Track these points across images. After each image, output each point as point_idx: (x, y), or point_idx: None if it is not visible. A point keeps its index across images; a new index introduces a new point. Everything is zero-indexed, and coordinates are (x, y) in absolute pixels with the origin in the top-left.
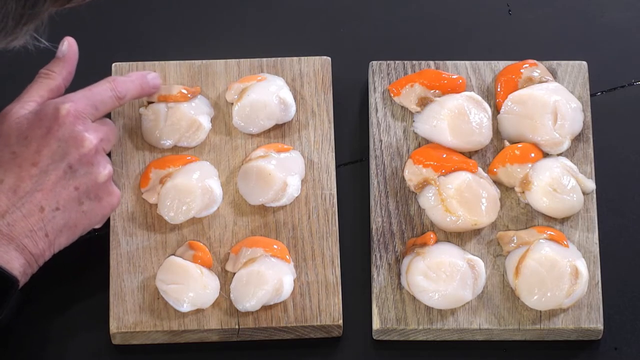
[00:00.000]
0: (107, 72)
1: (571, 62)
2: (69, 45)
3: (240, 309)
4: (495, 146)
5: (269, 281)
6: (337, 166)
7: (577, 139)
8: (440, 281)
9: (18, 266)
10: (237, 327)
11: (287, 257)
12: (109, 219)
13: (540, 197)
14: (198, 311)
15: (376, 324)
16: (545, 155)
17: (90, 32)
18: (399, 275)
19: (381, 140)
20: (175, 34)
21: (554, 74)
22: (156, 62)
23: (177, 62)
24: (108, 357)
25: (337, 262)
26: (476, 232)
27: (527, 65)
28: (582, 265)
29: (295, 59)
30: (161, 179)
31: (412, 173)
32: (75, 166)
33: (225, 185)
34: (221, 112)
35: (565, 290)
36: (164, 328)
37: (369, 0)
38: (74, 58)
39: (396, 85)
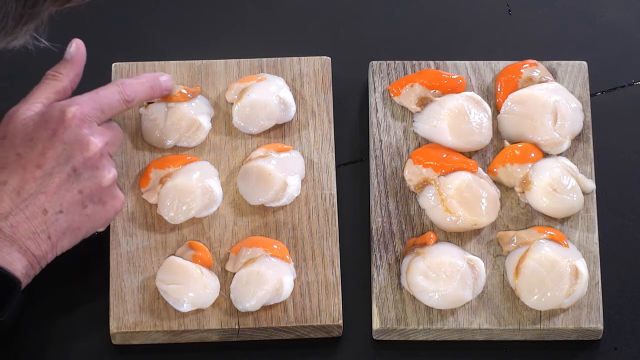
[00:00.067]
0: (107, 72)
1: (571, 62)
2: (76, 48)
3: (240, 309)
4: (495, 146)
5: (269, 281)
6: (337, 166)
7: (577, 139)
8: (440, 281)
9: (20, 268)
10: (237, 327)
11: (287, 257)
12: None
13: (540, 197)
14: (198, 311)
15: (376, 324)
16: (545, 155)
17: (90, 32)
18: (399, 275)
19: (381, 140)
20: (175, 34)
21: (554, 74)
22: (156, 62)
23: (177, 62)
24: (108, 357)
25: (337, 262)
26: (476, 232)
27: (527, 65)
28: (582, 265)
29: (295, 59)
30: (161, 179)
31: (412, 173)
32: (79, 169)
33: (225, 185)
34: (221, 112)
35: (565, 290)
36: (164, 328)
37: (369, 0)
38: (82, 60)
39: (396, 85)
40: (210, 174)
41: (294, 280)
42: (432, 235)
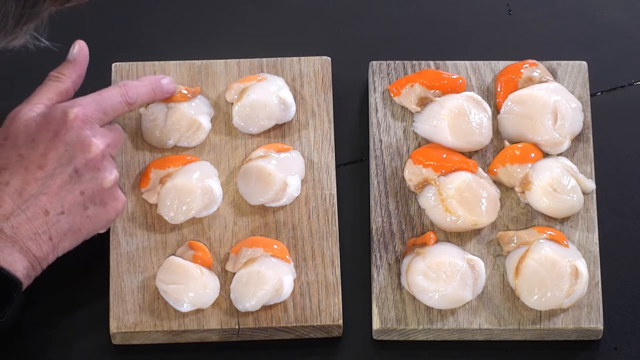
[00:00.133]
0: (107, 72)
1: (571, 62)
2: (79, 49)
3: (240, 309)
4: (495, 146)
5: (269, 281)
6: (337, 166)
7: (577, 139)
8: (440, 281)
9: (22, 268)
10: (237, 327)
11: (287, 257)
12: None
13: (540, 197)
14: (198, 311)
15: (376, 324)
16: (545, 155)
17: (90, 32)
18: (399, 275)
19: (381, 140)
20: (175, 34)
21: (554, 74)
22: (156, 62)
23: (177, 62)
24: (108, 357)
25: (337, 262)
26: (476, 232)
27: (527, 65)
28: (582, 265)
29: (295, 59)
30: (161, 179)
31: (412, 173)
32: (81, 171)
33: (225, 185)
34: (221, 112)
35: (565, 290)
36: (164, 328)
37: (369, 0)
38: (84, 62)
39: (396, 85)
40: (210, 174)
41: (294, 280)
42: (432, 235)
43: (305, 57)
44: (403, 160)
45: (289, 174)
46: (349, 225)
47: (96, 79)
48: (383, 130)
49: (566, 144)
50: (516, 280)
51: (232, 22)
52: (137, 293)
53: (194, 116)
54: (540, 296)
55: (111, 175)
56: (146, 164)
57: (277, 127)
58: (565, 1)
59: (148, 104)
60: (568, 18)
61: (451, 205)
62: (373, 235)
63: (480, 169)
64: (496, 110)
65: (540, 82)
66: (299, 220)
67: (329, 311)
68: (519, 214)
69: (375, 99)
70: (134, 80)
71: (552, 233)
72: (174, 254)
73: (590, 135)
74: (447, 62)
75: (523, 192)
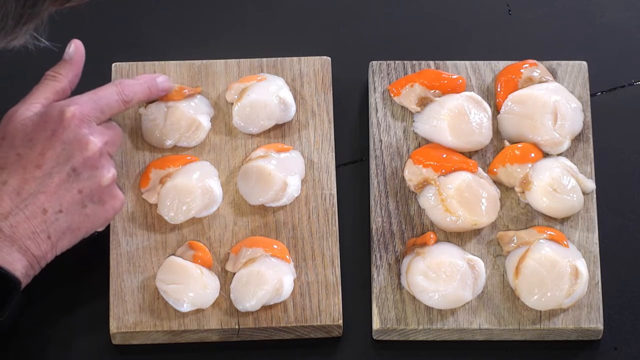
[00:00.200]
0: (107, 72)
1: (571, 62)
2: (76, 48)
3: (240, 309)
4: (495, 146)
5: (269, 281)
6: (337, 166)
7: (577, 139)
8: (440, 281)
9: (20, 268)
10: (237, 327)
11: (287, 257)
12: None
13: (540, 197)
14: (198, 311)
15: (376, 324)
16: (545, 155)
17: (90, 32)
18: (399, 275)
19: (381, 140)
20: (175, 34)
21: (554, 74)
22: (156, 62)
23: (177, 62)
24: (108, 357)
25: (337, 262)
26: (476, 232)
27: (527, 65)
28: (582, 265)
29: (295, 59)
30: (161, 179)
31: (412, 173)
32: (79, 169)
33: (225, 185)
34: (221, 112)
35: (565, 290)
36: (164, 328)
37: (369, 0)
38: (81, 61)
39: (396, 85)
40: (210, 174)
41: (294, 280)
42: (432, 235)
43: (305, 57)
44: (403, 160)
45: (289, 174)
46: (349, 225)
47: (96, 79)
48: (383, 130)
49: (566, 144)
50: (516, 280)
51: (232, 22)
52: (137, 293)
53: (193, 116)
54: (540, 296)
55: (109, 173)
56: (146, 164)
57: (277, 127)
58: (565, 1)
59: (147, 105)
60: (568, 18)
61: (451, 205)
62: (373, 235)
63: (480, 169)
64: (496, 110)
65: (540, 82)
66: (299, 220)
67: (329, 311)
68: (519, 214)
69: (375, 99)
70: (130, 78)
71: (552, 233)
72: (174, 254)
73: (590, 135)
74: (447, 62)
75: (523, 192)
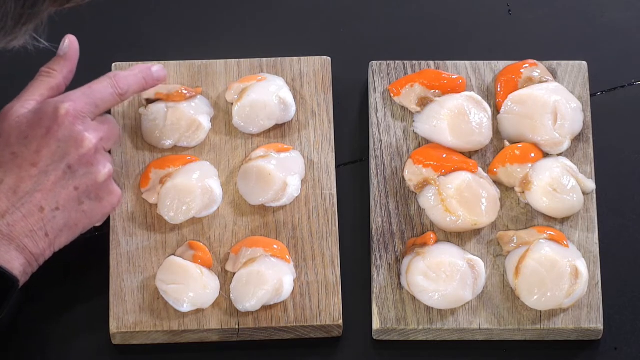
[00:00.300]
0: (107, 72)
1: (571, 62)
2: (70, 43)
3: (240, 309)
4: (495, 146)
5: (269, 281)
6: (337, 166)
7: (577, 139)
8: (440, 281)
9: (18, 266)
10: (237, 327)
11: (287, 257)
12: (109, 218)
13: (540, 197)
14: (198, 311)
15: (376, 324)
16: (545, 155)
17: (90, 32)
18: (399, 275)
19: (381, 140)
20: (175, 34)
21: (554, 74)
22: (156, 62)
23: (177, 62)
24: (108, 357)
25: (337, 262)
26: (476, 232)
27: (527, 65)
28: (582, 265)
29: (295, 59)
30: (161, 179)
31: (412, 173)
32: (74, 166)
33: (225, 185)
34: (221, 112)
35: (565, 290)
36: (164, 328)
37: (369, 0)
38: (75, 56)
39: (396, 85)
40: (210, 174)
41: (294, 280)
42: (432, 235)
43: (305, 57)
44: (403, 160)
45: (289, 174)
46: (349, 225)
47: (96, 79)
48: (383, 130)
49: (566, 144)
50: (516, 280)
51: (232, 22)
52: (137, 293)
53: (193, 116)
54: (540, 296)
55: (105, 169)
56: (146, 164)
57: (277, 127)
58: (565, 1)
59: (147, 105)
60: (568, 18)
61: (451, 205)
62: (373, 235)
63: (480, 169)
64: (496, 110)
65: (540, 82)
66: (299, 220)
67: (329, 311)
68: (519, 214)
69: (375, 99)
70: (124, 70)
71: (552, 233)
72: (174, 254)
73: (590, 135)
74: (447, 62)
75: (523, 192)
